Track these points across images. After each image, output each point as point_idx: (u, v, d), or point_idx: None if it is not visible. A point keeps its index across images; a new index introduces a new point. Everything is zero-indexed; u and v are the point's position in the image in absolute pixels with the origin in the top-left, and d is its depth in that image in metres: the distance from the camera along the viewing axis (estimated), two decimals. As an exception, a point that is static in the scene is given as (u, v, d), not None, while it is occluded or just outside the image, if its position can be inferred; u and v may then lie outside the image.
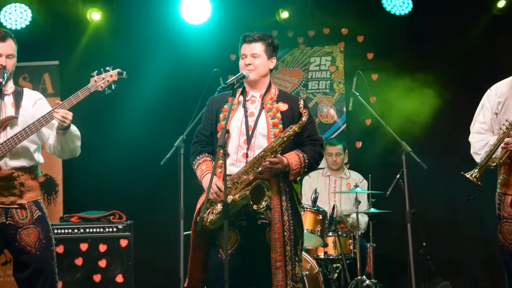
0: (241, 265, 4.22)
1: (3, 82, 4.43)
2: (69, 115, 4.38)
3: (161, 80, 7.14)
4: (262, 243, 4.26)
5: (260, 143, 4.30)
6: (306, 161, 4.29)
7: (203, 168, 4.39)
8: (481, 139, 4.58)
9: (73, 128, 4.54)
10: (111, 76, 4.53)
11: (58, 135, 4.49)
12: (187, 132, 6.24)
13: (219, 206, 4.15)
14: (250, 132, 4.34)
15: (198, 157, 4.45)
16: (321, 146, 4.48)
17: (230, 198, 4.11)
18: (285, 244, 4.25)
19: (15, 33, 4.75)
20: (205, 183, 4.28)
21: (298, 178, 4.43)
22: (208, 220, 4.21)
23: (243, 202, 4.14)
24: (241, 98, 4.41)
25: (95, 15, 7.42)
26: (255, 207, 4.14)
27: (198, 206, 4.36)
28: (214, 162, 4.25)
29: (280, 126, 4.31)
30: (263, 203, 4.14)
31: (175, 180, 6.41)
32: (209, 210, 4.23)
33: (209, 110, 4.53)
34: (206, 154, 4.43)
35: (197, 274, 4.39)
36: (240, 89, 4.40)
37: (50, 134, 4.54)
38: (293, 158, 4.27)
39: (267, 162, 4.17)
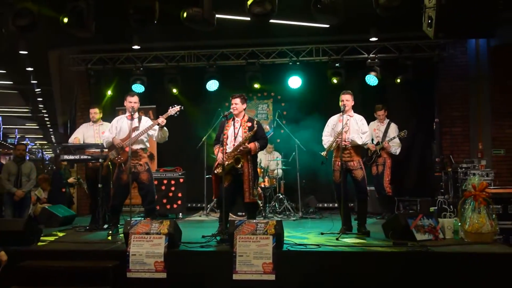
0: (231, 189, 4.15)
1: (133, 114, 4.38)
2: (164, 121, 4.32)
3: (197, 111, 6.83)
4: (240, 182, 4.18)
5: (239, 140, 4.21)
6: (259, 146, 4.23)
7: (216, 151, 4.29)
8: (327, 139, 4.59)
9: (165, 128, 4.48)
10: (177, 108, 4.43)
11: (159, 131, 4.39)
12: (207, 134, 6.18)
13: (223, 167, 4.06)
14: (235, 136, 4.24)
15: (216, 146, 4.31)
16: (267, 140, 4.38)
17: (226, 163, 4.06)
18: (249, 181, 4.16)
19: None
20: (218, 157, 4.22)
21: (256, 153, 4.32)
22: (219, 172, 4.14)
23: (231, 165, 4.09)
24: (232, 121, 4.28)
25: (174, 90, 6.78)
26: (237, 166, 4.11)
27: (214, 167, 4.26)
28: (222, 148, 4.14)
29: (248, 132, 4.23)
30: (240, 165, 4.12)
31: (203, 154, 6.38)
32: (219, 168, 4.16)
33: (220, 127, 4.40)
34: (219, 146, 4.26)
35: (216, 192, 4.30)
36: (232, 118, 4.29)
37: (154, 133, 4.46)
38: (253, 145, 4.19)
39: (241, 148, 4.12)
